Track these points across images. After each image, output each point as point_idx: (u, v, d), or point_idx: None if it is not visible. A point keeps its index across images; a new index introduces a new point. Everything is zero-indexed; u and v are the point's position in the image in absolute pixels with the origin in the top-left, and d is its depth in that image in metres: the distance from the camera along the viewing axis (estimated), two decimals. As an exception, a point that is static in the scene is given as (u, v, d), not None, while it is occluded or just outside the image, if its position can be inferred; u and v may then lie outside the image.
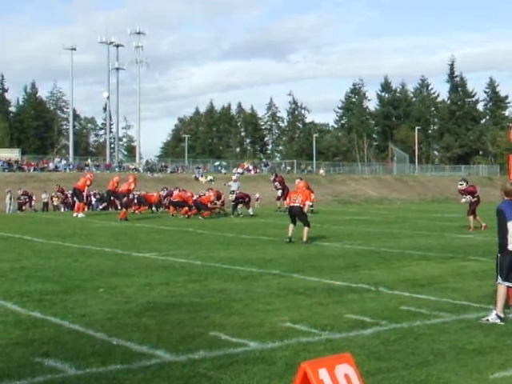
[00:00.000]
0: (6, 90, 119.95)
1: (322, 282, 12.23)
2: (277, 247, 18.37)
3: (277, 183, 36.99)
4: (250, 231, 23.33)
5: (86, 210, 37.13)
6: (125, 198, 30.91)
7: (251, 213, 33.13)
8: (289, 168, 77.11)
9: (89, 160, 73.90)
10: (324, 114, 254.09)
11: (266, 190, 45.20)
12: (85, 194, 34.76)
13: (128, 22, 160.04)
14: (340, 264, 14.78)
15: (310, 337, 7.98)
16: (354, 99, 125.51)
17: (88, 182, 33.67)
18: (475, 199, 25.03)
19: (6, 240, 20.75)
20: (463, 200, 25.95)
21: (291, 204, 20.09)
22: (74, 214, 33.00)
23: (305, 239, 19.38)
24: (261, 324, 8.65)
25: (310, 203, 22.99)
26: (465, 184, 26.04)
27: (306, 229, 19.57)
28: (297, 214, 19.81)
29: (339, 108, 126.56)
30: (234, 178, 40.18)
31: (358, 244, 19.09)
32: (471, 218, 24.77)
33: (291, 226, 19.70)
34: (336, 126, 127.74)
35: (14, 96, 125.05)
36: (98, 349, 7.44)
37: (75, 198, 36.53)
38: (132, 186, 31.52)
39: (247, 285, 11.88)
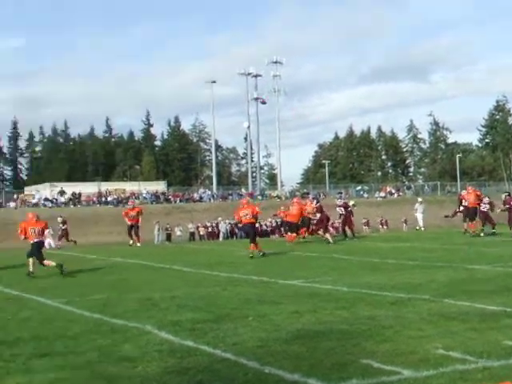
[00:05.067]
0: (152, 125, 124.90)
1: (474, 306, 11.81)
2: (424, 271, 17.94)
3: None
4: (396, 255, 22.95)
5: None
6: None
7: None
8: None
9: (243, 189, 75.82)
10: (467, 133, 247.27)
11: (411, 213, 45.07)
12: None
13: (266, 53, 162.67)
14: (492, 288, 14.23)
15: (466, 364, 7.70)
16: (497, 116, 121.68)
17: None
18: None
19: (157, 270, 21.42)
20: None
21: None
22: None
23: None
24: (413, 351, 8.44)
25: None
26: None
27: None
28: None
29: (482, 126, 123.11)
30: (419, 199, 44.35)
31: (509, 266, 18.34)
32: None
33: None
34: (480, 145, 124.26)
35: (159, 130, 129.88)
36: (251, 377, 7.49)
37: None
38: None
39: (396, 311, 11.64)
